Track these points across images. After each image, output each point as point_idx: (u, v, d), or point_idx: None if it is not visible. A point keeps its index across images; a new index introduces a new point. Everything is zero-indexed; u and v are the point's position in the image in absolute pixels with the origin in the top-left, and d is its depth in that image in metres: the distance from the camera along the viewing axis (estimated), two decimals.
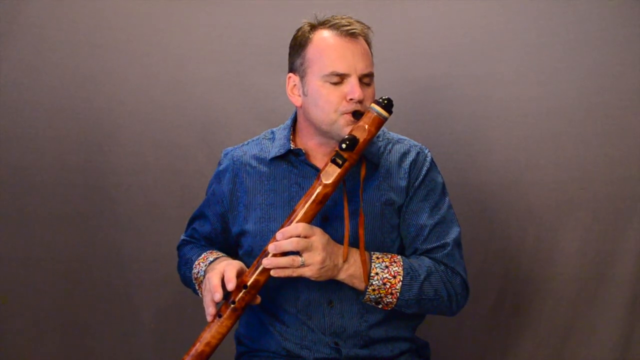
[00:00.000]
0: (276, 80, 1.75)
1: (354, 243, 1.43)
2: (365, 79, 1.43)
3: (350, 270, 1.39)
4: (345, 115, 1.42)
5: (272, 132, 1.58)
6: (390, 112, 1.39)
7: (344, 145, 1.36)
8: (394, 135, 1.57)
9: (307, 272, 1.35)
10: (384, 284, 1.41)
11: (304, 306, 1.47)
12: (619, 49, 1.81)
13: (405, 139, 1.56)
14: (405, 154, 1.52)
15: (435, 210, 1.49)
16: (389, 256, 1.44)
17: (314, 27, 1.45)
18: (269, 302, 1.48)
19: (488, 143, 1.88)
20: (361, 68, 1.42)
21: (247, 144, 1.59)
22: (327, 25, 1.44)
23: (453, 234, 1.49)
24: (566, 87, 1.85)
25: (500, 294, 1.93)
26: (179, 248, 1.66)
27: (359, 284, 1.41)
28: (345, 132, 1.41)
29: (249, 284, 1.36)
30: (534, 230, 1.89)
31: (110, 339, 1.99)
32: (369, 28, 1.47)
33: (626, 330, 1.81)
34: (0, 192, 1.92)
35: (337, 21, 1.44)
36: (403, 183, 1.49)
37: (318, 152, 1.50)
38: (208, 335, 1.36)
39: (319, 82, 1.42)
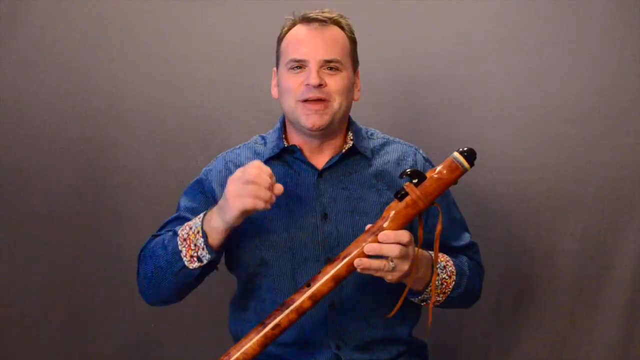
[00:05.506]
0: None
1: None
2: (330, 67, 1.42)
3: (419, 274, 1.34)
4: (302, 102, 1.42)
5: (263, 137, 1.56)
6: (471, 164, 1.29)
7: (406, 172, 1.29)
8: (388, 136, 1.57)
9: (391, 276, 1.28)
10: (442, 284, 1.41)
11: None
12: (619, 49, 1.81)
13: (400, 141, 1.56)
14: (403, 154, 1.53)
15: (451, 208, 1.53)
16: (444, 255, 1.44)
17: (294, 23, 1.47)
18: (268, 305, 1.44)
19: (487, 143, 1.88)
20: (321, 54, 1.41)
21: (239, 147, 1.56)
22: (301, 18, 1.46)
23: (468, 230, 1.56)
24: (566, 87, 1.85)
25: (500, 294, 1.93)
26: (142, 251, 1.48)
27: (417, 285, 1.36)
28: (305, 121, 1.41)
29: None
30: (534, 230, 1.89)
31: (110, 339, 1.99)
32: (343, 17, 1.47)
33: (626, 330, 1.81)
34: (0, 192, 1.92)
35: (310, 13, 1.45)
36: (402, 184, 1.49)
37: (306, 150, 1.49)
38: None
39: (284, 70, 1.45)
